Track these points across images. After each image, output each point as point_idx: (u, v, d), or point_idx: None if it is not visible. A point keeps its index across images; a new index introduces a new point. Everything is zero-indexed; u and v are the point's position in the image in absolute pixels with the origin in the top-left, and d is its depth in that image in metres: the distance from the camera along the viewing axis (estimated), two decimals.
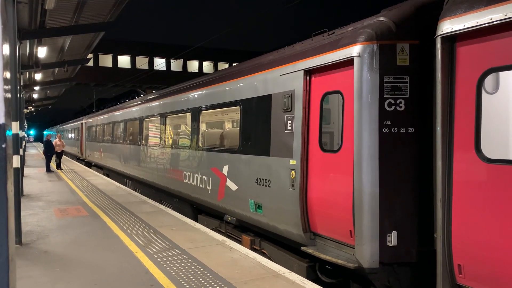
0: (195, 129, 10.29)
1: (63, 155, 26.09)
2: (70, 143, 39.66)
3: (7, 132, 1.63)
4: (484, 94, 4.18)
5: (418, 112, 5.33)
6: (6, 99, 1.66)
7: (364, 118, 5.30)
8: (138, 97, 24.41)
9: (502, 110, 4.52)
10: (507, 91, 4.52)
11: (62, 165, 24.26)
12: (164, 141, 12.72)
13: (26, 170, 22.01)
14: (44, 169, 22.25)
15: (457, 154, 4.34)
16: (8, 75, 1.78)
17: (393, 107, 5.30)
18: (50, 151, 22.43)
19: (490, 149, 4.11)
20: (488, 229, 4.00)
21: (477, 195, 4.12)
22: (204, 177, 9.62)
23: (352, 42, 5.52)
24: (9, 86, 1.84)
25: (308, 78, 6.36)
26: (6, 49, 1.77)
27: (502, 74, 4.42)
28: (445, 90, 4.42)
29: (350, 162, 5.48)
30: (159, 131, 13.17)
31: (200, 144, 10.07)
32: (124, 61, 50.45)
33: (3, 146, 1.60)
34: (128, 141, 17.32)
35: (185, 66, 53.91)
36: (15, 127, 7.25)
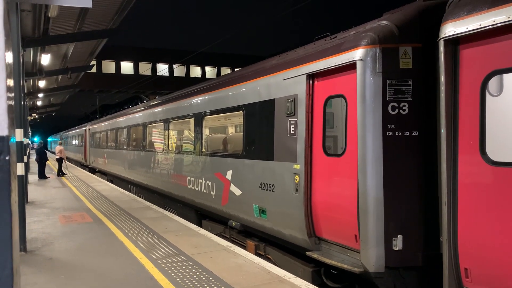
0: (198, 134, 10.29)
1: (67, 162, 26.06)
2: (74, 150, 39.79)
3: (11, 140, 1.61)
4: (488, 96, 4.16)
5: (422, 115, 5.31)
6: (9, 108, 1.65)
7: (367, 122, 5.28)
8: (141, 103, 24.44)
9: (507, 112, 4.49)
10: None
11: (66, 171, 24.26)
12: (168, 147, 12.73)
13: (31, 177, 22.06)
14: (53, 175, 22.24)
15: (461, 157, 4.31)
16: (11, 83, 1.77)
17: (396, 110, 5.28)
18: (42, 158, 22.29)
19: (495, 151, 4.08)
20: (495, 232, 3.97)
21: (483, 198, 4.09)
22: (208, 182, 9.62)
23: (354, 46, 5.52)
24: (13, 94, 1.83)
25: (311, 82, 6.36)
26: (9, 57, 1.76)
27: (506, 76, 4.40)
28: (449, 92, 4.40)
29: (354, 166, 5.46)
30: (163, 136, 13.19)
31: (203, 149, 10.07)
32: (127, 67, 50.67)
33: (7, 158, 1.57)
34: (131, 147, 17.36)
35: (187, 71, 54.08)
36: (19, 135, 7.27)
